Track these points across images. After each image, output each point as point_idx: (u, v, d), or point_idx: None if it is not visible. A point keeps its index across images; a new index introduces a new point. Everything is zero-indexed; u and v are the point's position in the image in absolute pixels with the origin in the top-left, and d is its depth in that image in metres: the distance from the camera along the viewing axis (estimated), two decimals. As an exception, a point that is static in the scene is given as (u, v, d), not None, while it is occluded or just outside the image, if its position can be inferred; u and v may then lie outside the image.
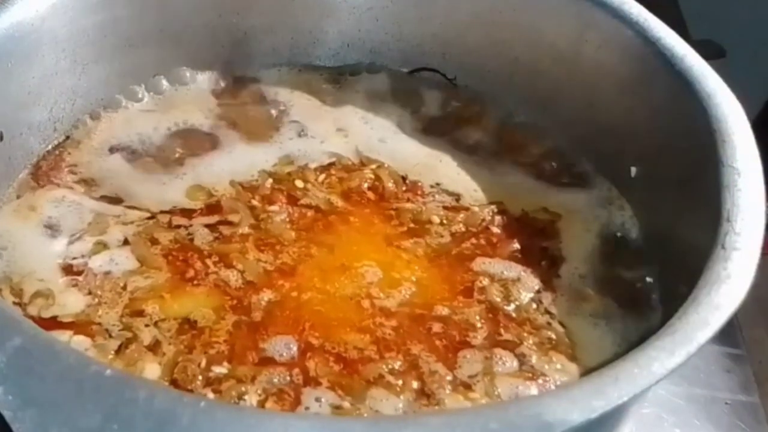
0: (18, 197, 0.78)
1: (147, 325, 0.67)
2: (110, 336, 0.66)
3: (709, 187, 0.67)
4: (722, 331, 0.55)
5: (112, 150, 0.84)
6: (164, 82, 0.92)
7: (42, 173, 0.80)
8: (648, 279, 0.77)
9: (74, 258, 0.73)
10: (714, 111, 0.72)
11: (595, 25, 0.85)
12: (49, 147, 0.83)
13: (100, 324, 0.67)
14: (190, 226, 0.76)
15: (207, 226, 0.76)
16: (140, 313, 0.68)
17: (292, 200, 0.80)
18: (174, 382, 0.63)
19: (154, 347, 0.66)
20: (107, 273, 0.71)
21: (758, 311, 0.89)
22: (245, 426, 0.46)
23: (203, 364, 0.65)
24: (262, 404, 0.62)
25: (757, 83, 0.86)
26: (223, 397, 0.62)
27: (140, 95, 0.91)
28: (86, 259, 0.73)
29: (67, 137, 0.84)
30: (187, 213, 0.78)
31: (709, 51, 0.81)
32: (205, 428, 0.45)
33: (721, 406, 0.86)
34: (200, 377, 0.64)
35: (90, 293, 0.69)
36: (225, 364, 0.65)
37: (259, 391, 0.63)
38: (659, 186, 0.79)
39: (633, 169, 0.83)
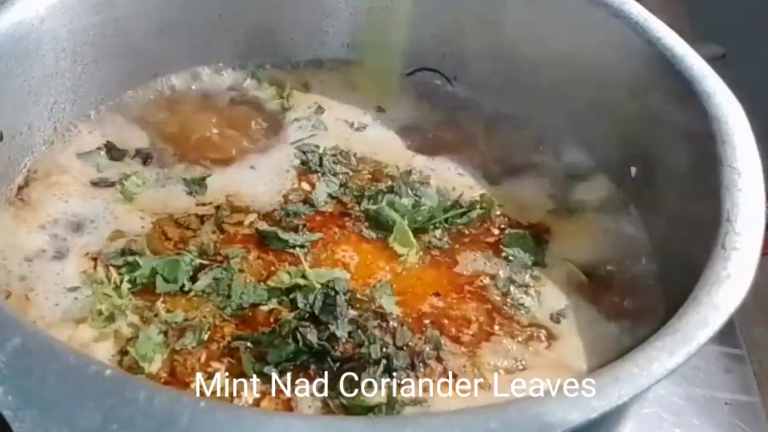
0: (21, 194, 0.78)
1: (156, 315, 0.68)
2: (124, 322, 0.67)
3: (709, 187, 0.67)
4: (722, 331, 0.55)
5: (113, 149, 0.85)
6: (164, 82, 0.93)
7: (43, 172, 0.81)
8: (648, 278, 0.77)
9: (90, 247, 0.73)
10: (714, 111, 0.72)
11: (595, 25, 0.85)
12: (50, 147, 0.83)
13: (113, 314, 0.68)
14: (198, 228, 0.76)
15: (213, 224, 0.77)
16: (150, 307, 0.68)
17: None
18: (173, 374, 0.64)
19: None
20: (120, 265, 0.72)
21: (758, 311, 0.89)
22: (245, 426, 0.46)
23: (203, 359, 0.65)
24: (257, 402, 0.62)
25: (757, 83, 0.85)
26: (220, 393, 0.62)
27: (140, 95, 0.91)
28: (102, 248, 0.73)
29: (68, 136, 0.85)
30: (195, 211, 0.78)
31: (709, 51, 0.81)
32: (205, 428, 0.45)
33: (721, 406, 0.86)
34: (199, 372, 0.64)
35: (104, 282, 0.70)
36: (224, 360, 0.65)
37: (255, 390, 0.63)
38: (659, 186, 0.79)
39: (633, 169, 0.83)
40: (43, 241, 0.73)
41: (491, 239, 0.79)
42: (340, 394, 0.62)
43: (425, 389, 0.64)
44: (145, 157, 0.84)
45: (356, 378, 0.63)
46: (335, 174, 0.84)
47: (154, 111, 0.90)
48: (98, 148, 0.84)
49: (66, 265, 0.72)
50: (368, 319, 0.68)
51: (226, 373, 0.64)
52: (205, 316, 0.68)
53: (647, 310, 0.73)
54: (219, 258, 0.73)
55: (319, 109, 0.93)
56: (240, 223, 0.77)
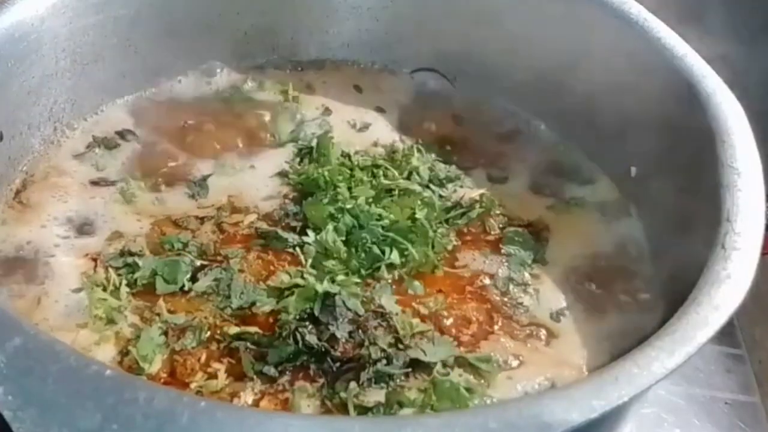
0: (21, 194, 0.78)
1: (158, 314, 0.68)
2: (125, 323, 0.67)
3: (709, 187, 0.67)
4: (722, 331, 0.55)
5: (104, 141, 0.85)
6: (164, 82, 0.93)
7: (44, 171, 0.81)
8: (648, 278, 0.77)
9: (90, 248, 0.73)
10: (714, 111, 0.72)
11: (595, 25, 0.85)
12: (48, 147, 0.83)
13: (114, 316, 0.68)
14: (197, 228, 0.76)
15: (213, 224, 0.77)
16: (151, 307, 0.69)
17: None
18: (172, 374, 0.64)
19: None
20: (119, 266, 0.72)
21: (758, 311, 0.89)
22: (245, 426, 0.46)
23: (203, 359, 0.65)
24: (257, 402, 0.62)
25: (757, 83, 0.86)
26: (219, 394, 0.62)
27: (141, 95, 0.91)
28: (102, 249, 0.73)
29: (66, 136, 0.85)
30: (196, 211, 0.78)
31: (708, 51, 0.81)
32: (205, 428, 0.45)
33: (721, 406, 0.86)
34: (199, 372, 0.64)
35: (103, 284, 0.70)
36: (224, 360, 0.65)
37: (255, 390, 0.63)
38: (659, 186, 0.79)
39: (633, 169, 0.83)
40: (45, 244, 0.73)
41: (491, 238, 0.79)
42: (340, 394, 0.62)
43: (425, 389, 0.63)
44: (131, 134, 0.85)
45: (356, 378, 0.63)
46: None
47: (154, 111, 0.90)
48: (88, 146, 0.84)
49: (68, 266, 0.72)
50: (368, 319, 0.68)
51: (226, 373, 0.64)
52: (205, 317, 0.68)
53: (647, 310, 0.73)
54: (219, 258, 0.73)
55: (327, 111, 0.93)
56: (239, 224, 0.77)
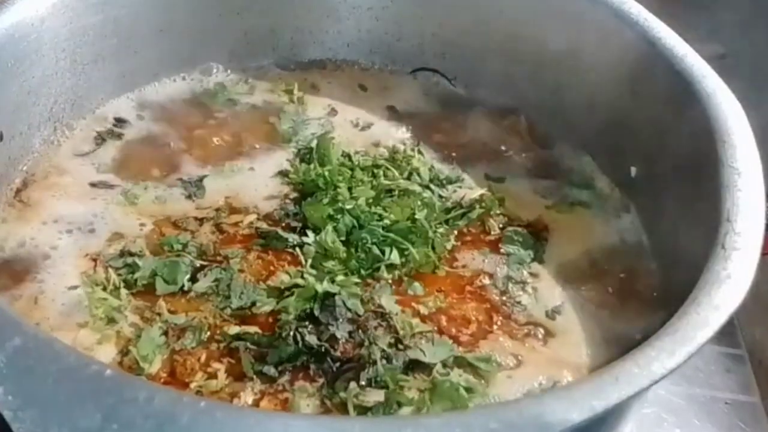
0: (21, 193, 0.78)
1: (159, 314, 0.68)
2: (126, 323, 0.67)
3: (709, 187, 0.67)
4: (722, 331, 0.55)
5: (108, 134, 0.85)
6: (164, 82, 0.93)
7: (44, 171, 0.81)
8: (647, 278, 0.77)
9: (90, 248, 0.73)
10: (714, 111, 0.72)
11: (595, 25, 0.85)
12: (49, 147, 0.83)
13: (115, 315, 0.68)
14: (197, 230, 0.76)
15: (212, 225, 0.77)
16: (151, 307, 0.69)
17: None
18: (172, 374, 0.64)
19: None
20: (119, 267, 0.72)
21: (758, 311, 0.89)
22: (245, 426, 0.46)
23: (203, 359, 0.65)
24: (257, 402, 0.62)
25: (757, 83, 0.86)
26: (219, 394, 0.62)
27: (141, 95, 0.91)
28: (102, 249, 0.73)
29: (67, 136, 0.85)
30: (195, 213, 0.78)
31: (709, 51, 0.81)
32: (205, 428, 0.45)
33: (721, 406, 0.86)
34: (199, 372, 0.64)
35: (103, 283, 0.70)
36: (224, 360, 0.65)
37: (255, 390, 0.63)
38: (659, 186, 0.79)
39: (633, 169, 0.83)
40: (46, 243, 0.73)
41: (491, 238, 0.79)
42: (340, 394, 0.62)
43: (425, 389, 0.63)
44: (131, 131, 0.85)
45: (356, 378, 0.63)
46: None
47: (154, 111, 0.90)
48: (89, 145, 0.84)
49: (68, 266, 0.72)
50: (368, 319, 0.68)
51: (226, 373, 0.64)
52: (205, 317, 0.68)
53: (646, 310, 0.73)
54: (218, 258, 0.73)
55: (333, 111, 0.93)
56: (239, 224, 0.77)
